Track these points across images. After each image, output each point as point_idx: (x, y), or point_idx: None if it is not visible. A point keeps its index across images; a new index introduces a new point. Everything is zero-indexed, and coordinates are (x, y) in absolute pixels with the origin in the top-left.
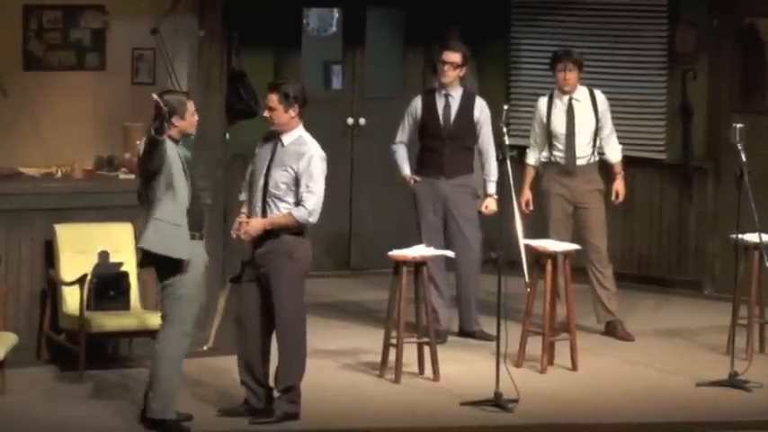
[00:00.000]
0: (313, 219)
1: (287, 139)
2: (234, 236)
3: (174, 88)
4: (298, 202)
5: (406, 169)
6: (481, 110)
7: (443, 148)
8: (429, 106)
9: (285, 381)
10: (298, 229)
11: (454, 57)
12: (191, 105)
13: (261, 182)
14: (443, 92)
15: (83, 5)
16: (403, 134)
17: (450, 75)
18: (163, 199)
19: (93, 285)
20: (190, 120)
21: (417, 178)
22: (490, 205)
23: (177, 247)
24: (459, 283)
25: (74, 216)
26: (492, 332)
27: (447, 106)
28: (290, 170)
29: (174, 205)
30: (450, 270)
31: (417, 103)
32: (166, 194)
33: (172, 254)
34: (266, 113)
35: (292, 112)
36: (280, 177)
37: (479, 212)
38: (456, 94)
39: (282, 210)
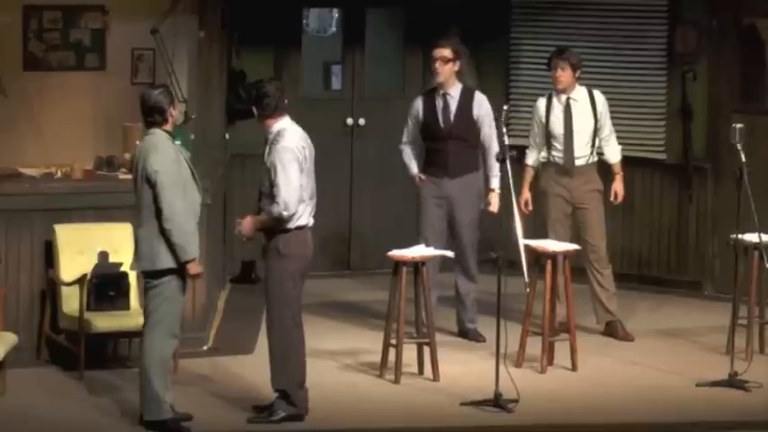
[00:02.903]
0: (288, 211)
1: (270, 137)
2: (236, 233)
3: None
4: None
5: (413, 168)
6: (480, 105)
7: (446, 147)
8: (429, 107)
9: (274, 383)
10: (284, 225)
11: (444, 51)
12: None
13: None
14: (441, 91)
15: (83, 6)
16: (408, 135)
17: (444, 70)
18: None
19: (92, 286)
20: (178, 108)
21: (423, 177)
22: (493, 201)
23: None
24: (458, 282)
25: (73, 216)
26: (491, 333)
27: (446, 106)
28: (266, 167)
29: (185, 210)
30: (450, 270)
31: (418, 105)
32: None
33: (184, 257)
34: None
35: (261, 115)
36: (264, 175)
37: (485, 210)
38: (454, 92)
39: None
